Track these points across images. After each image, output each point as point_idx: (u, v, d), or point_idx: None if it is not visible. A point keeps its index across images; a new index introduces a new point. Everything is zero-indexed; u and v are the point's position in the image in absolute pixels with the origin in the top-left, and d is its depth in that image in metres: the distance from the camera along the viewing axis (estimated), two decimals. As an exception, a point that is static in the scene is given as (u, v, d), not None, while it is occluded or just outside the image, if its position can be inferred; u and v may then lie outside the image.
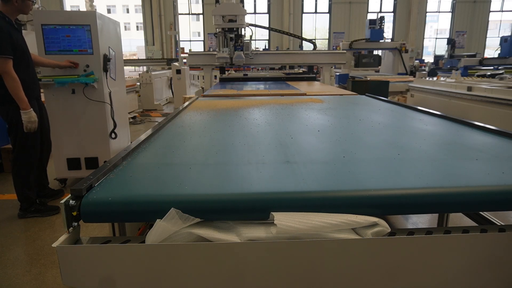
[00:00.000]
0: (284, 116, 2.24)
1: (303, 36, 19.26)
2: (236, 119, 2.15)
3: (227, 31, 4.69)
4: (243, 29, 4.84)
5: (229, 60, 4.82)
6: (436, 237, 0.95)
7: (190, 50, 9.11)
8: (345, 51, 5.92)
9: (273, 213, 0.92)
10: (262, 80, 5.46)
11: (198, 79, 13.52)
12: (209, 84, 5.44)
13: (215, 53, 4.99)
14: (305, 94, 3.52)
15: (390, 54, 9.83)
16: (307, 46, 18.09)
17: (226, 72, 6.38)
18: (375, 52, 10.44)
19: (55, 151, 3.50)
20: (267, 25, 19.27)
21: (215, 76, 6.07)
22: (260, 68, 11.71)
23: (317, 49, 7.03)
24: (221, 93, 3.59)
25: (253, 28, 5.43)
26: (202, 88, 5.25)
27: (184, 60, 10.62)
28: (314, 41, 6.79)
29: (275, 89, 3.98)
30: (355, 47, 9.42)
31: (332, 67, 5.93)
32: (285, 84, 4.75)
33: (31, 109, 2.76)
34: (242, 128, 1.86)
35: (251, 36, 5.35)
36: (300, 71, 7.43)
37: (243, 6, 4.80)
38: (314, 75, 5.77)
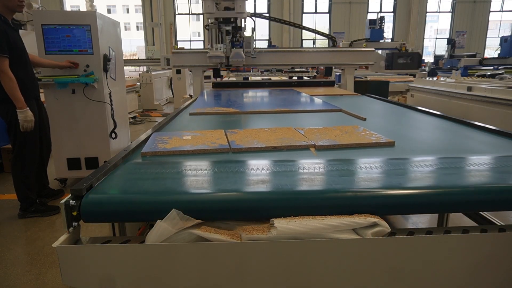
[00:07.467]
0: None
1: (303, 36, 19.29)
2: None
3: (222, 22, 3.58)
4: (242, 20, 3.71)
5: (224, 59, 3.70)
6: (436, 237, 0.95)
7: (174, 47, 7.16)
8: (373, 49, 4.66)
9: (273, 219, 0.92)
10: (267, 86, 4.39)
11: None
12: (199, 91, 4.22)
13: (207, 50, 3.80)
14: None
15: (390, 54, 9.78)
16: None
17: (224, 73, 5.29)
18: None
19: (55, 151, 3.50)
20: (267, 26, 19.21)
21: (210, 76, 4.68)
22: (263, 70, 9.75)
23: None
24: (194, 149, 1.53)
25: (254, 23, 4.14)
26: (191, 95, 4.11)
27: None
28: (333, 37, 5.34)
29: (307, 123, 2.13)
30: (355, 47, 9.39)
31: (356, 69, 4.81)
32: (303, 97, 3.39)
33: (27, 108, 2.75)
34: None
35: (253, 29, 3.99)
36: (313, 73, 5.70)
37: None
38: (333, 80, 4.75)
